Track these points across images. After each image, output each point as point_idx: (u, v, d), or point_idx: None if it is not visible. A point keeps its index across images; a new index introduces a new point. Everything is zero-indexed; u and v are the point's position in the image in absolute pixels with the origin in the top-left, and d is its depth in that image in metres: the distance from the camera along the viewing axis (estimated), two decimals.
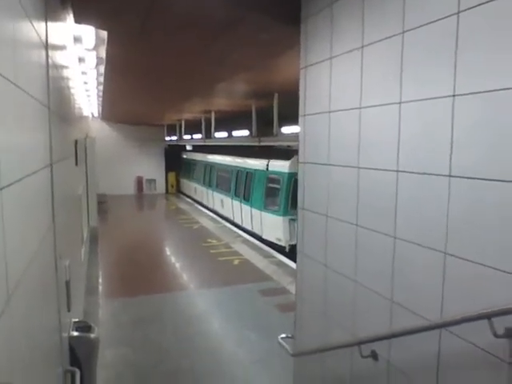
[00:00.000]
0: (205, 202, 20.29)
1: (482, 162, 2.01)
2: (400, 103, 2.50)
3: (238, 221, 15.53)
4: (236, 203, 15.61)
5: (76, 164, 6.04)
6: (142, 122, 21.62)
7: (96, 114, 19.22)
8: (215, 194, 18.56)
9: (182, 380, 5.17)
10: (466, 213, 2.11)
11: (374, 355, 2.75)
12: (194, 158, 23.09)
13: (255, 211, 13.72)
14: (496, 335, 1.84)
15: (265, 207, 13.12)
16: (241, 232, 14.25)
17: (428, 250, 2.33)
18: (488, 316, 1.86)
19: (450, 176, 2.17)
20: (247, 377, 5.30)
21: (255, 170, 14.06)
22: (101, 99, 12.77)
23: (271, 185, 12.79)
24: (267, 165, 13.17)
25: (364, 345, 2.74)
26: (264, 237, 13.00)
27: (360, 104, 2.88)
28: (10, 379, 1.48)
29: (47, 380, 2.48)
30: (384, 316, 2.68)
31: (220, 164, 18.33)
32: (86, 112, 13.03)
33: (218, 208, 18.18)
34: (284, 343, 3.82)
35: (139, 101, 12.32)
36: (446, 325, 2.11)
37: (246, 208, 14.45)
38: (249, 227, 14.33)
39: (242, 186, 15.07)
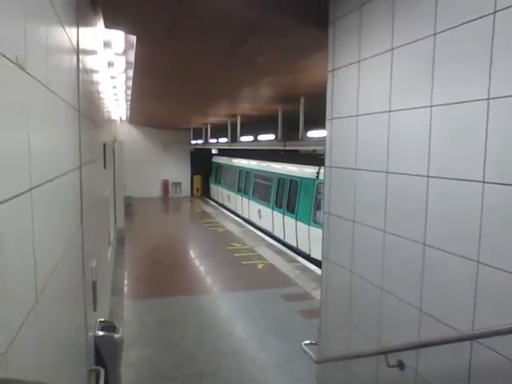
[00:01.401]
0: (239, 211, 18.65)
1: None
2: (431, 106, 2.44)
3: (279, 234, 13.84)
4: (277, 215, 13.97)
5: (104, 167, 6.15)
6: (168, 125, 21.91)
7: (124, 118, 19.57)
8: (252, 202, 16.91)
9: (204, 383, 5.17)
10: (498, 220, 2.03)
11: (400, 365, 2.67)
12: (226, 162, 21.95)
13: (301, 225, 12.00)
14: None
15: (314, 221, 11.35)
16: (265, 236, 14.20)
17: (459, 259, 2.26)
18: None
19: (483, 182, 2.10)
20: (269, 381, 5.26)
21: (302, 178, 12.40)
22: (129, 103, 12.99)
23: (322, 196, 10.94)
24: (317, 173, 11.40)
25: (390, 354, 2.67)
26: (312, 255, 11.23)
27: (389, 107, 2.82)
28: (37, 377, 1.50)
29: (73, 379, 2.51)
30: (412, 325, 2.61)
31: (258, 170, 16.67)
32: (115, 116, 13.29)
33: (254, 219, 16.54)
34: (307, 349, 3.77)
35: (166, 104, 12.49)
36: (479, 336, 2.04)
37: (290, 221, 12.76)
38: (292, 243, 12.60)
39: (284, 195, 13.46)
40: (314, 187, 11.52)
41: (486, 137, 2.08)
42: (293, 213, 12.60)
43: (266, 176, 15.59)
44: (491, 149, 2.06)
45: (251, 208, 16.96)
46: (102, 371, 3.37)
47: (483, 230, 2.11)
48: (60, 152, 2.14)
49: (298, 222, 12.18)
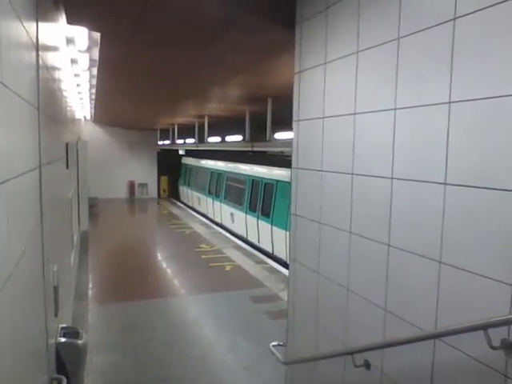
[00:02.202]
0: (210, 215, 18.17)
1: (476, 169, 1.99)
2: (395, 109, 2.48)
3: (252, 239, 13.47)
4: (251, 219, 13.56)
5: (67, 167, 5.96)
6: (134, 125, 21.52)
7: (88, 117, 19.10)
8: (224, 206, 16.44)
9: None
10: (460, 221, 2.08)
11: (366, 365, 2.70)
12: (196, 164, 21.43)
13: (277, 230, 11.64)
14: (492, 347, 1.81)
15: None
16: (233, 238, 14.15)
17: (422, 259, 2.30)
18: (484, 327, 1.83)
19: (445, 184, 2.15)
20: (236, 381, 5.23)
21: (278, 180, 12.04)
22: (93, 102, 12.68)
23: None
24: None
25: (357, 354, 2.70)
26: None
27: (354, 110, 2.85)
28: None
29: None
30: (377, 325, 2.65)
31: (231, 172, 16.14)
32: (79, 115, 12.94)
33: (227, 223, 16.09)
34: (275, 351, 3.76)
35: (132, 104, 12.25)
36: (441, 335, 2.08)
37: (265, 226, 12.41)
38: (268, 248, 12.28)
39: (259, 198, 13.11)
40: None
41: (448, 140, 2.13)
42: (268, 217, 12.25)
43: (239, 178, 15.21)
44: (452, 151, 2.11)
45: (223, 211, 16.59)
46: (64, 380, 3.25)
47: (445, 231, 2.16)
48: (16, 151, 2.05)
49: (274, 228, 11.84)
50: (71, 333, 3.78)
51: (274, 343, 3.83)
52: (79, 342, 3.72)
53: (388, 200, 2.55)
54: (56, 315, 3.71)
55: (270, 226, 12.11)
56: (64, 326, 3.91)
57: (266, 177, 13.03)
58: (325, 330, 3.31)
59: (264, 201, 12.79)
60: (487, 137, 1.94)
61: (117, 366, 5.57)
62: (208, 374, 5.43)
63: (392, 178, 2.52)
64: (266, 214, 12.52)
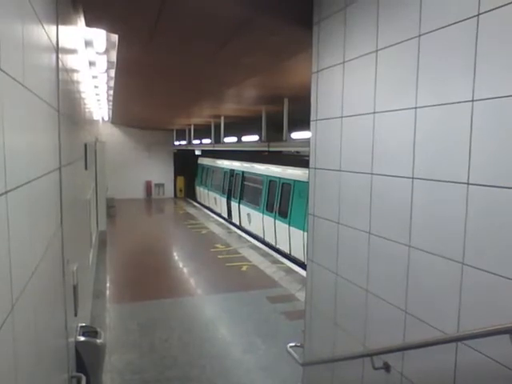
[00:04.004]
0: (226, 215, 18.18)
1: (500, 168, 1.94)
2: (416, 108, 2.44)
3: (269, 240, 13.47)
4: (268, 219, 13.55)
5: (85, 168, 6.04)
6: (151, 126, 21.72)
7: (106, 118, 19.33)
8: (240, 206, 16.50)
9: None
10: (483, 222, 2.04)
11: (386, 367, 2.67)
12: (212, 164, 21.43)
13: (295, 231, 11.56)
14: None
15: None
16: (249, 238, 14.15)
17: (444, 260, 2.26)
18: (508, 331, 1.78)
19: (468, 184, 2.10)
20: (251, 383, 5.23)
21: (295, 180, 11.94)
22: (111, 103, 12.82)
23: None
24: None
25: (376, 356, 2.66)
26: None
27: (374, 109, 2.82)
28: None
29: None
30: (397, 327, 2.61)
31: (248, 172, 16.10)
32: (97, 116, 13.10)
33: (243, 223, 16.12)
34: (293, 352, 3.75)
35: (149, 105, 12.36)
36: (464, 338, 2.04)
37: (283, 226, 12.33)
38: (285, 249, 12.27)
39: (276, 199, 13.05)
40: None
41: (470, 139, 2.09)
42: (285, 218, 12.17)
43: (256, 178, 15.17)
44: (475, 150, 2.07)
45: (241, 212, 16.58)
46: (84, 378, 3.29)
47: (468, 232, 2.11)
48: (38, 153, 2.07)
49: (291, 228, 11.77)
50: (90, 332, 3.82)
51: (291, 344, 3.82)
52: (98, 341, 3.77)
53: (408, 200, 2.51)
54: (75, 314, 3.76)
55: (287, 226, 12.05)
56: (83, 325, 3.96)
57: (282, 176, 12.99)
58: (343, 331, 3.28)
59: (281, 201, 12.76)
60: (509, 135, 1.89)
61: (134, 365, 5.62)
62: (225, 373, 5.44)
63: (413, 178, 2.48)
64: (283, 214, 12.48)
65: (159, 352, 5.97)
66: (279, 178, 13.18)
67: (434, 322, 2.33)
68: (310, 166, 3.68)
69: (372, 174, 2.86)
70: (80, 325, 3.89)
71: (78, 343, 3.59)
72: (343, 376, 3.25)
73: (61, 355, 2.93)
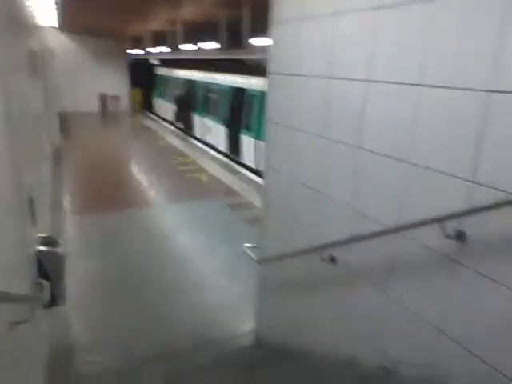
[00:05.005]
0: (183, 127, 17.88)
1: (452, 69, 1.99)
2: (379, 8, 2.38)
3: (224, 149, 13.58)
4: (224, 129, 13.38)
5: (32, 75, 5.67)
6: (104, 33, 20.13)
7: (54, 24, 17.72)
8: (198, 117, 16.24)
9: (152, 289, 5.38)
10: (430, 122, 2.12)
11: (332, 259, 2.89)
12: (169, 74, 20.55)
13: (252, 140, 11.48)
14: (447, 236, 1.95)
15: None
16: (208, 149, 14.11)
17: (390, 159, 2.37)
18: (440, 220, 1.95)
19: (420, 85, 2.15)
20: (213, 283, 5.56)
21: (249, 89, 11.70)
22: (59, 7, 11.69)
23: None
24: None
25: (324, 250, 2.87)
26: None
27: (334, 9, 2.73)
28: None
29: (14, 291, 2.51)
30: (345, 223, 2.79)
31: (209, 83, 15.43)
32: (43, 21, 12.01)
33: (201, 134, 15.97)
34: (249, 252, 3.96)
35: (100, 7, 11.37)
36: (401, 229, 2.21)
37: (247, 139, 12.02)
38: (249, 162, 12.00)
39: (243, 110, 12.50)
40: None
41: (424, 40, 2.10)
42: (245, 128, 11.91)
43: (216, 89, 14.69)
44: (427, 53, 2.09)
45: (196, 123, 16.40)
46: (47, 284, 3.42)
47: (416, 132, 2.20)
48: None
49: (249, 138, 11.73)
50: (50, 242, 3.89)
51: (248, 245, 4.02)
52: (58, 250, 3.85)
53: (362, 103, 2.55)
54: (34, 225, 3.78)
55: (246, 137, 12.10)
56: (42, 235, 4.00)
57: (242, 87, 12.73)
58: (296, 230, 3.47)
59: (241, 111, 12.55)
60: (461, 41, 1.92)
61: (99, 270, 5.81)
62: (186, 275, 5.73)
63: (367, 81, 2.49)
64: (242, 124, 12.39)
65: (122, 260, 6.16)
66: (241, 88, 12.86)
67: (377, 217, 2.50)
68: (269, 71, 3.59)
69: (329, 77, 2.84)
70: (39, 235, 3.93)
71: (38, 252, 3.65)
72: (295, 270, 3.51)
73: (21, 263, 2.99)
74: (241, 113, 12.46)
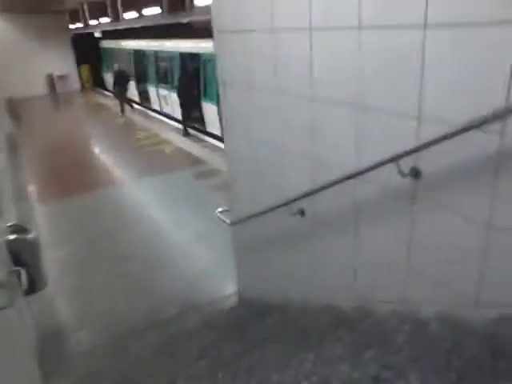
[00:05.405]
0: (138, 100, 17.49)
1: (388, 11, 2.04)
2: None
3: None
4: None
5: None
6: (38, 7, 18.87)
7: None
8: (151, 88, 15.94)
9: (131, 265, 5.41)
10: (377, 63, 2.18)
11: (301, 212, 2.99)
12: (116, 46, 19.73)
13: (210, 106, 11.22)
14: (403, 175, 2.06)
15: None
16: (168, 121, 13.84)
17: (342, 105, 2.44)
18: (395, 158, 2.05)
19: (359, 28, 2.19)
20: (194, 252, 5.65)
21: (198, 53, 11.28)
22: None
23: None
24: None
25: (292, 204, 2.96)
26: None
27: None
28: None
29: None
30: (308, 175, 2.88)
31: (151, 51, 15.20)
32: None
33: (156, 106, 15.69)
34: (222, 216, 4.03)
35: None
36: (361, 173, 2.30)
37: (208, 106, 11.55)
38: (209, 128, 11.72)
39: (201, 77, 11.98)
40: None
41: None
42: (212, 98, 11.14)
43: (166, 57, 14.21)
44: None
45: (151, 94, 15.99)
46: (23, 271, 3.40)
47: (363, 75, 2.26)
48: None
49: (207, 104, 11.38)
50: (19, 230, 3.84)
51: (219, 209, 4.08)
52: (29, 236, 3.81)
53: (307, 51, 2.57)
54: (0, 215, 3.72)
55: (203, 102, 11.79)
56: (10, 224, 3.94)
57: (192, 51, 12.34)
58: (264, 189, 3.54)
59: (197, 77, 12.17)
60: None
61: (75, 254, 5.79)
62: (161, 248, 5.79)
63: (310, 29, 2.51)
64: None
65: (96, 241, 6.13)
66: (192, 53, 12.44)
67: (338, 165, 2.58)
68: (214, 29, 3.53)
69: (273, 31, 2.84)
70: (7, 225, 3.87)
71: (9, 242, 3.61)
72: (268, 227, 3.61)
73: None
74: (197, 79, 12.17)
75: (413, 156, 2.03)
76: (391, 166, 2.09)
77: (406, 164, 2.06)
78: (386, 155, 2.11)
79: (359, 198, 2.52)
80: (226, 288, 4.72)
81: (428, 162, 2.02)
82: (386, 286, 2.50)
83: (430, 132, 1.92)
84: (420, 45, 1.91)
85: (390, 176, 2.16)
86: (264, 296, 3.92)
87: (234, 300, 4.49)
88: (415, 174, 2.07)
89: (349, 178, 2.35)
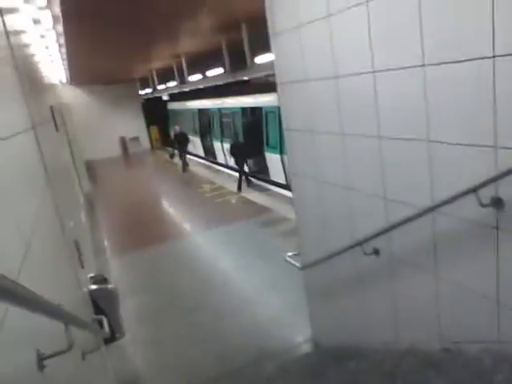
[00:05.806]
0: (206, 156, 18.16)
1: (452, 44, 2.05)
2: (367, 1, 2.48)
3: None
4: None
5: (56, 129, 5.97)
6: (113, 79, 20.86)
7: (64, 80, 18.53)
8: (216, 143, 16.42)
9: (204, 313, 5.46)
10: (442, 99, 2.17)
11: (375, 251, 2.92)
12: (182, 107, 20.98)
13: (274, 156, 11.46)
14: (482, 205, 1.97)
15: None
16: (231, 172, 14.25)
17: (411, 142, 2.42)
18: (474, 189, 1.98)
19: (423, 65, 2.21)
20: (265, 299, 5.60)
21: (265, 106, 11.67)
22: (66, 62, 12.28)
23: None
24: None
25: (365, 243, 2.90)
26: None
27: (328, 11, 2.83)
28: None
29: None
30: (380, 214, 2.83)
31: (217, 109, 15.85)
32: (54, 78, 12.60)
33: (221, 159, 15.98)
34: (291, 260, 4.01)
35: (105, 55, 11.85)
36: (438, 206, 2.24)
37: (273, 156, 11.72)
38: (280, 180, 11.59)
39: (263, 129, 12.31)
40: None
41: (421, 30, 2.17)
42: (275, 148, 11.48)
43: (227, 113, 14.84)
44: (425, 39, 2.16)
45: (217, 149, 16.56)
46: (104, 319, 3.57)
47: (429, 110, 2.25)
48: (7, 111, 2.11)
49: (273, 155, 11.57)
50: (100, 280, 4.07)
51: (289, 254, 4.07)
52: (109, 286, 4.03)
53: (372, 94, 2.62)
54: (82, 267, 3.96)
55: (279, 156, 11.55)
56: (92, 275, 4.18)
57: (253, 105, 12.79)
58: (333, 231, 3.51)
59: (258, 130, 12.55)
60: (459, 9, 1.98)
61: (149, 303, 5.95)
62: (236, 295, 5.80)
63: (374, 72, 2.57)
64: (271, 144, 12.07)
65: (166, 291, 6.28)
66: (249, 107, 12.92)
67: (411, 201, 2.53)
68: (277, 80, 3.70)
69: (336, 76, 2.93)
70: (89, 276, 4.11)
71: (91, 291, 3.82)
72: (340, 269, 3.54)
73: (77, 303, 3.13)
74: (259, 131, 12.51)
75: (492, 185, 1.95)
76: (470, 197, 2.02)
77: (485, 194, 1.98)
78: (462, 187, 2.05)
79: (437, 233, 2.43)
80: (300, 334, 4.60)
81: (509, 189, 1.93)
82: (475, 323, 2.33)
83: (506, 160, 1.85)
84: (490, 75, 1.88)
85: (469, 207, 2.08)
86: (340, 340, 3.78)
87: (308, 346, 4.36)
88: (496, 203, 1.97)
89: (425, 213, 2.28)
